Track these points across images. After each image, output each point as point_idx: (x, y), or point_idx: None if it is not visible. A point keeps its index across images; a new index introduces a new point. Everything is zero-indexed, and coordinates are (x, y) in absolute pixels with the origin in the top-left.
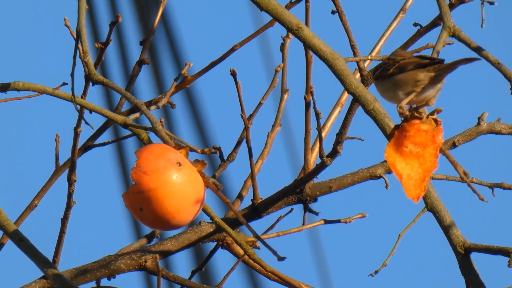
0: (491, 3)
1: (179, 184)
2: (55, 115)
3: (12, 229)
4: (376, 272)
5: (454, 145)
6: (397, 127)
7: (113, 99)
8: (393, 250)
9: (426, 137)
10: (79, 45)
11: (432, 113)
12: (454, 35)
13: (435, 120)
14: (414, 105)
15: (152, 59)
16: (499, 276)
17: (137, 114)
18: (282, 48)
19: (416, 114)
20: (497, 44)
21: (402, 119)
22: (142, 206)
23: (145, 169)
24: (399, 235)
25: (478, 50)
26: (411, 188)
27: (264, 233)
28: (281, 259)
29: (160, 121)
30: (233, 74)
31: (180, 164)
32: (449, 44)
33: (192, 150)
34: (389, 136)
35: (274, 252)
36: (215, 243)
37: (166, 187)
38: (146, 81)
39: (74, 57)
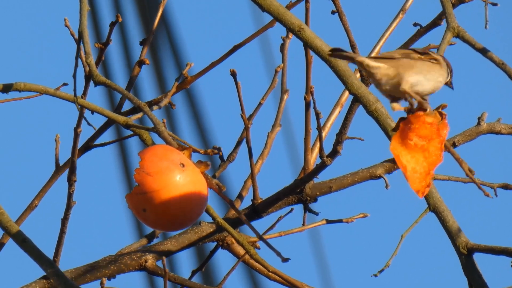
0: (494, 5)
1: (182, 185)
2: (55, 115)
3: (15, 230)
4: (379, 272)
5: (454, 145)
6: (402, 119)
7: (114, 99)
8: (396, 250)
9: (431, 130)
10: (81, 46)
11: (437, 107)
12: (458, 35)
13: (440, 114)
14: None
15: (154, 59)
16: (502, 277)
17: (139, 115)
18: (282, 48)
19: (421, 105)
20: (496, 44)
21: (407, 111)
22: (145, 207)
23: (148, 170)
24: (401, 235)
25: (482, 51)
26: (415, 181)
27: (265, 233)
28: (285, 260)
29: (162, 122)
30: (233, 74)
31: (183, 165)
32: (451, 44)
33: (195, 151)
34: (394, 129)
35: (278, 253)
36: (215, 243)
37: (169, 188)
38: (148, 81)
39: (76, 58)
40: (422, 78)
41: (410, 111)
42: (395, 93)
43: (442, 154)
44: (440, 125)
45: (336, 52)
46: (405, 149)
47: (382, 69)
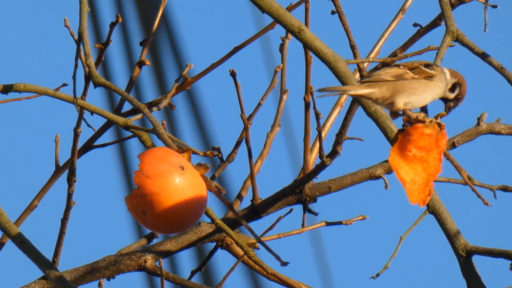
0: (494, 7)
1: (181, 188)
2: (55, 116)
3: (15, 232)
4: (378, 274)
5: (453, 145)
6: (400, 131)
7: (114, 100)
8: (394, 252)
9: (430, 141)
10: (81, 47)
11: (435, 117)
12: (457, 39)
13: (439, 124)
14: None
15: (154, 60)
16: (500, 279)
17: (138, 116)
18: (281, 48)
19: (419, 118)
20: (495, 44)
21: (406, 122)
22: (145, 210)
23: (148, 173)
24: (400, 237)
25: (482, 55)
26: (414, 193)
27: (264, 233)
28: (284, 264)
29: (162, 124)
30: (233, 74)
31: (182, 168)
32: (451, 46)
33: (194, 153)
34: (392, 141)
35: (278, 257)
36: (215, 244)
37: (169, 191)
38: (148, 81)
39: (76, 59)
40: (416, 99)
41: (408, 122)
42: (392, 110)
43: (441, 164)
44: (439, 135)
45: (326, 89)
46: (404, 161)
47: (376, 93)
